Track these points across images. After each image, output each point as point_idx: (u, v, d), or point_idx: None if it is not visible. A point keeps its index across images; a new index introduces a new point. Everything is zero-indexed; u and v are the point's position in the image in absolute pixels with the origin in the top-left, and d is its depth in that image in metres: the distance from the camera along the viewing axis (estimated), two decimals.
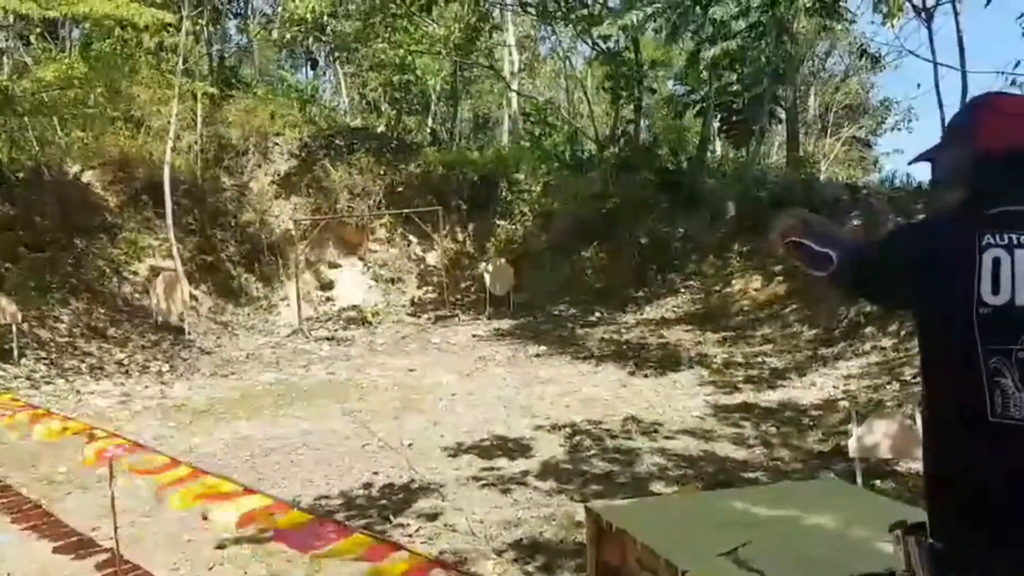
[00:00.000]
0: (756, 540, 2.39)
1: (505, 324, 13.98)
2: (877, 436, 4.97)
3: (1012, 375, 1.33)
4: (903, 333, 9.45)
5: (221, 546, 4.81)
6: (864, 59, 18.82)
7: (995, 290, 1.36)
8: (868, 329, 10.41)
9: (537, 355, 11.59)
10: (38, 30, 16.31)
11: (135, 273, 13.86)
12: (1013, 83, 13.29)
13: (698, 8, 14.64)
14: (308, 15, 17.51)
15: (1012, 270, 1.36)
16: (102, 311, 12.54)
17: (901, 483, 5.48)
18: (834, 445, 6.78)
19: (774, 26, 15.58)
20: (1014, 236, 1.39)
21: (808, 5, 15.45)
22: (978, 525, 1.39)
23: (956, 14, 13.11)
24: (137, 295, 13.50)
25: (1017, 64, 26.13)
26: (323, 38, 20.29)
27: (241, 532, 3.01)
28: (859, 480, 5.03)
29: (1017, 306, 1.35)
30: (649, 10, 14.42)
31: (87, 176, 14.63)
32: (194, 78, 16.34)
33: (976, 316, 1.36)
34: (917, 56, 31.11)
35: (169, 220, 13.70)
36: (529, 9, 19.46)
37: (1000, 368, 1.34)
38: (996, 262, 1.37)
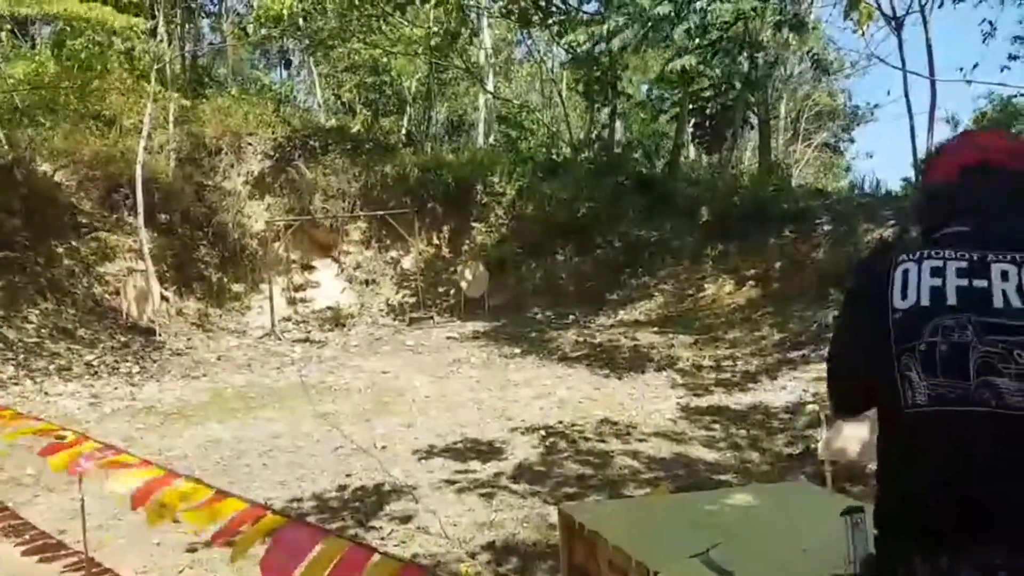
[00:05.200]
0: (726, 542, 2.42)
1: (480, 326, 13.98)
2: (845, 439, 5.05)
3: (916, 367, 1.46)
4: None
5: (191, 549, 4.79)
6: (817, 69, 19.23)
7: (904, 296, 1.50)
8: None
9: (511, 357, 11.61)
10: (8, 27, 16.07)
11: (106, 273, 13.69)
12: (969, 84, 13.73)
13: (665, 23, 14.83)
14: (284, 12, 17.37)
15: (919, 277, 1.50)
16: (72, 312, 12.37)
17: (869, 485, 5.56)
18: (803, 448, 6.87)
19: (739, 39, 15.86)
20: (925, 251, 1.54)
21: (774, 21, 15.72)
22: (897, 511, 1.52)
23: (925, 22, 13.34)
24: (108, 296, 13.33)
25: (975, 66, 26.77)
26: (298, 36, 20.14)
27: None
28: (828, 482, 5.10)
29: (921, 306, 1.48)
30: (621, 20, 14.61)
31: (58, 175, 14.42)
32: (167, 78, 16.17)
33: (891, 322, 1.50)
34: (886, 63, 31.60)
35: (141, 220, 13.55)
36: (512, 16, 19.47)
37: (908, 363, 1.47)
38: (905, 272, 1.52)
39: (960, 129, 21.16)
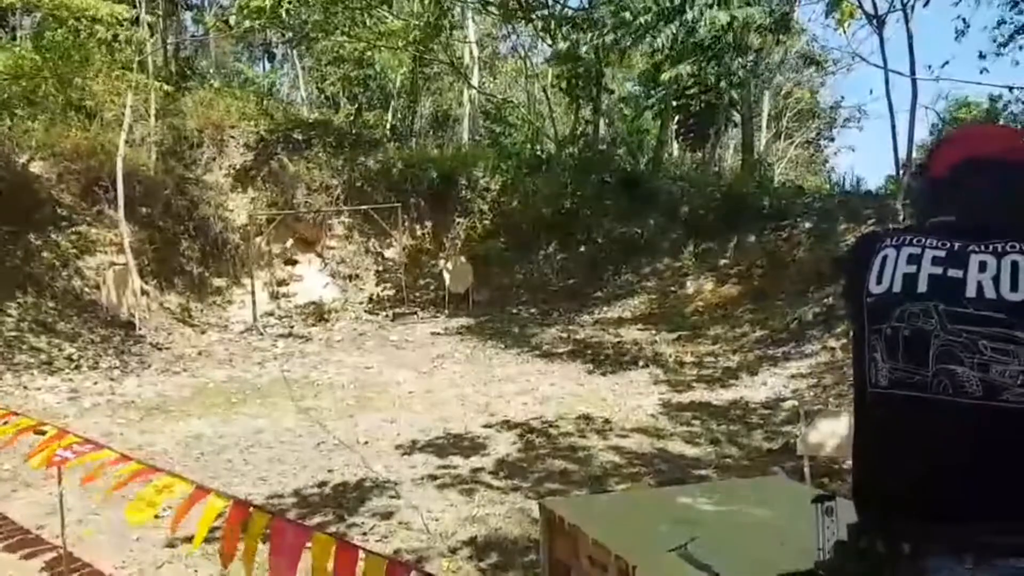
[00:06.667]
0: (705, 536, 2.45)
1: (464, 322, 13.98)
2: (824, 434, 5.11)
3: (881, 349, 1.51)
4: (850, 333, 9.67)
5: (171, 544, 4.77)
6: (809, 66, 19.29)
7: (879, 281, 1.54)
8: (816, 330, 10.63)
9: (495, 353, 11.62)
10: None
11: (86, 267, 13.56)
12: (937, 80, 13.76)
13: (648, 34, 14.87)
14: (267, 4, 17.25)
15: (895, 263, 1.53)
16: (51, 305, 12.26)
17: (848, 481, 5.62)
18: (782, 443, 6.93)
19: (729, 44, 15.90)
20: (907, 237, 1.56)
21: (762, 23, 15.76)
22: (864, 502, 1.56)
23: (907, 21, 13.39)
24: (88, 289, 13.21)
25: (945, 63, 26.90)
26: (281, 28, 20.01)
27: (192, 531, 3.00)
28: (807, 477, 5.16)
29: (893, 292, 1.51)
30: (607, 26, 14.67)
31: (37, 167, 14.27)
32: (149, 70, 16.04)
33: (865, 305, 1.55)
34: (868, 62, 31.80)
35: (121, 213, 13.42)
36: (491, 8, 19.46)
37: (875, 345, 1.52)
38: (884, 258, 1.55)
39: (944, 128, 21.35)
